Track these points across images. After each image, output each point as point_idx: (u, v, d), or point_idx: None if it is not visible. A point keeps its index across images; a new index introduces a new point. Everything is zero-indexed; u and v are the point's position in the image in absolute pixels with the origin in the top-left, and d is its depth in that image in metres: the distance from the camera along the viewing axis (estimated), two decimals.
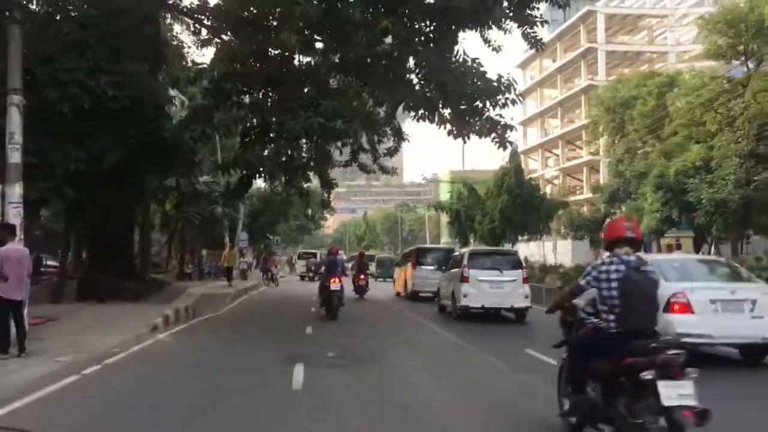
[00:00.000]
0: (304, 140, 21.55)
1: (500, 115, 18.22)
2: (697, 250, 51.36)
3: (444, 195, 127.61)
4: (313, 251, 51.72)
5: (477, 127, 18.60)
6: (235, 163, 16.71)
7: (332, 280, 17.45)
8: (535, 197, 31.30)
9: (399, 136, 29.13)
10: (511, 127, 18.34)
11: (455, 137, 19.45)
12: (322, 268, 19.56)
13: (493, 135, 20.04)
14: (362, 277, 27.18)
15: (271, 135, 17.72)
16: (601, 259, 6.00)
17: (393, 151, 29.65)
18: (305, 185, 33.37)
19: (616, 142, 55.63)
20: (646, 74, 50.88)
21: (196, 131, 14.39)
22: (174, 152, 17.96)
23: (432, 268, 24.41)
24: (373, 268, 39.95)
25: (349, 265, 34.09)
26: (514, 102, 17.97)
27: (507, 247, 35.25)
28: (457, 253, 21.70)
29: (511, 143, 21.62)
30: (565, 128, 77.34)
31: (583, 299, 6.15)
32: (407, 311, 20.90)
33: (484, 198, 39.24)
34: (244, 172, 17.67)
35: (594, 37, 71.11)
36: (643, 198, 45.81)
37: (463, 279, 17.63)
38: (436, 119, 17.84)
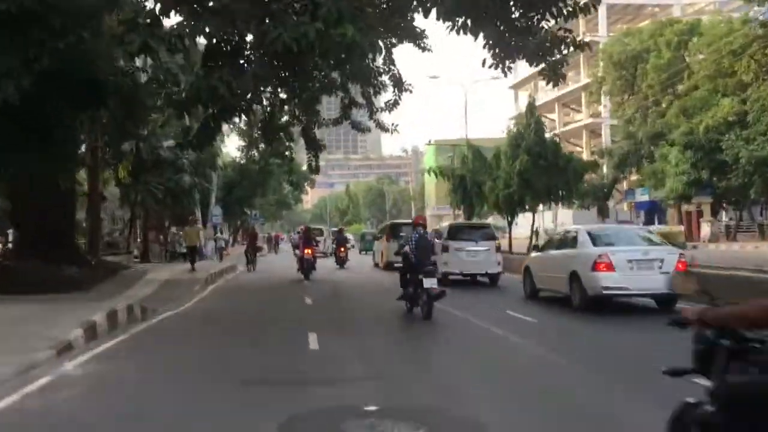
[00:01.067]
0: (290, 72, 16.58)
1: (565, 29, 13.35)
2: (714, 216, 47.41)
3: (429, 165, 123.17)
4: (319, 227, 49.75)
5: (530, 47, 13.72)
6: (198, 95, 11.20)
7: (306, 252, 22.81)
8: (561, 157, 26.39)
9: (399, 86, 24.08)
10: (582, 46, 13.52)
11: (496, 65, 14.56)
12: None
13: (543, 65, 15.29)
14: (342, 249, 30.67)
15: (248, 54, 12.48)
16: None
17: (392, 105, 24.58)
18: (288, 144, 28.26)
19: (624, 100, 51.00)
20: (662, 23, 46.03)
21: (134, 44, 9.23)
22: (103, 86, 12.73)
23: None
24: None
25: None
26: (586, 9, 13.11)
27: (525, 215, 30.89)
28: (437, 227, 24.30)
29: (564, 77, 16.81)
30: (562, 90, 72.41)
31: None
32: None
33: (493, 160, 34.37)
34: (210, 109, 12.23)
35: None
36: (663, 160, 41.33)
37: (444, 249, 19.35)
38: (481, 33, 12.90)
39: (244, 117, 22.87)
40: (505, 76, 15.25)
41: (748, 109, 34.90)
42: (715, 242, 37.07)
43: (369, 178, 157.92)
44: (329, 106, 38.33)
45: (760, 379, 2.79)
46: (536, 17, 13.09)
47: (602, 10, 63.99)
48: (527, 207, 28.44)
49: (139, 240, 32.31)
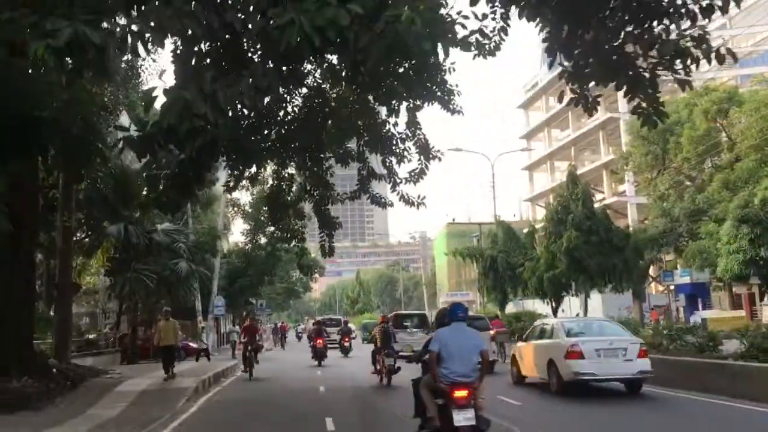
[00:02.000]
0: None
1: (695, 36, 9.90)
2: (761, 299, 43.15)
3: (439, 251, 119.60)
4: (337, 317, 52.07)
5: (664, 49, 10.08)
6: (165, 120, 6.57)
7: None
8: (614, 232, 22.64)
9: (426, 153, 20.63)
10: (722, 57, 10.01)
11: (577, 100, 11.06)
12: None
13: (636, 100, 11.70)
14: (346, 339, 32.93)
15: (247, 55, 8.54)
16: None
17: (418, 175, 21.00)
18: (298, 224, 24.59)
19: (653, 176, 47.58)
20: (697, 93, 43.16)
21: (60, 37, 5.52)
22: (43, 125, 8.97)
23: (409, 330, 26.63)
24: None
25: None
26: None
27: (576, 300, 26.92)
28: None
29: (690, 84, 12.51)
30: (580, 170, 69.43)
31: None
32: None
33: (527, 239, 30.68)
34: (186, 147, 7.87)
35: None
36: (709, 237, 37.46)
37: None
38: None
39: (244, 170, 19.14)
40: (590, 114, 11.67)
41: None
42: None
43: (377, 265, 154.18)
44: (343, 182, 34.80)
45: None
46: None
47: None
48: (575, 290, 24.52)
49: (121, 337, 28.17)
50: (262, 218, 40.33)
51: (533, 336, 16.94)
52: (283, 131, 19.69)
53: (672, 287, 47.65)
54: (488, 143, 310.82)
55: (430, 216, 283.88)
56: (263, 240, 42.69)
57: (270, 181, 24.93)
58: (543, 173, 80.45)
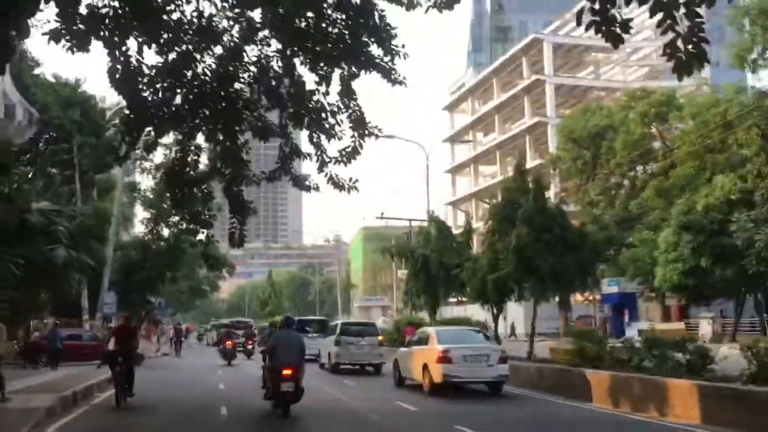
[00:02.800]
0: None
1: None
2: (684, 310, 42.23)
3: (355, 254, 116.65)
4: (246, 320, 54.01)
5: None
6: None
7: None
8: (570, 231, 19.97)
9: (361, 127, 17.29)
10: None
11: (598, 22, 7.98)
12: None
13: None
14: (250, 342, 33.88)
15: None
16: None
17: (351, 154, 17.52)
18: (205, 210, 20.65)
19: (584, 182, 46.02)
20: (633, 95, 41.78)
21: None
22: None
23: (310, 335, 27.67)
24: None
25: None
26: None
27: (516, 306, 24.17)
28: (333, 323, 29.36)
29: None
30: (505, 174, 67.87)
31: None
32: None
33: (463, 236, 27.92)
34: None
35: (537, 71, 62.74)
36: (643, 245, 35.84)
37: (336, 343, 24.23)
38: None
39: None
40: (615, 46, 8.55)
41: (752, 187, 29.91)
42: (718, 342, 31.19)
43: (290, 267, 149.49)
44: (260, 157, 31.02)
45: None
46: None
47: (550, 88, 60.53)
48: (519, 295, 21.75)
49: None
50: (165, 206, 36.05)
51: (412, 343, 18.90)
52: (191, 96, 16.14)
53: (597, 297, 46.03)
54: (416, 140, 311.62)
55: (348, 217, 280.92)
56: (166, 231, 38.30)
57: (173, 154, 20.92)
58: (466, 177, 78.74)
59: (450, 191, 79.86)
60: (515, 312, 44.12)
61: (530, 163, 61.42)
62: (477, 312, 27.70)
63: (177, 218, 36.32)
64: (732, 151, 32.31)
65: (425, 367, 16.62)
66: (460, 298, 28.51)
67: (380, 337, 24.87)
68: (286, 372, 12.49)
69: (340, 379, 20.97)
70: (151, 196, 36.16)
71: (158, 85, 15.43)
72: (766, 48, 29.99)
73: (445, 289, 27.31)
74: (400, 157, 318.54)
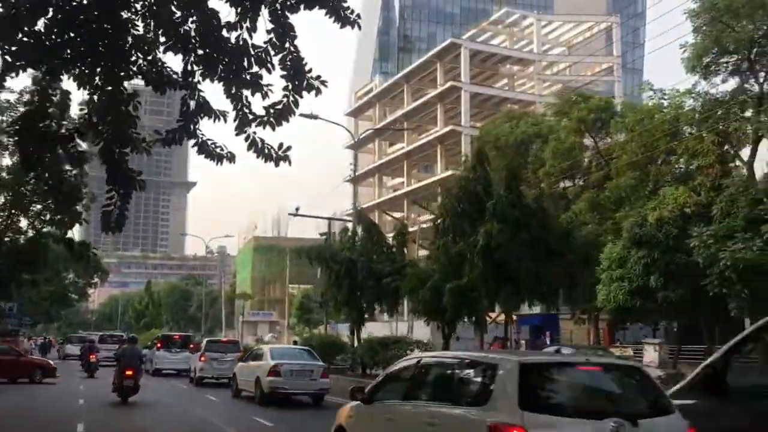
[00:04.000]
0: None
1: None
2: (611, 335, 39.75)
3: (243, 266, 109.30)
4: (119, 334, 50.48)
5: None
6: None
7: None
8: (553, 230, 15.85)
9: (298, 77, 12.42)
10: None
11: None
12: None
13: None
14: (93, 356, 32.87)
15: None
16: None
17: (283, 113, 12.44)
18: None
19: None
20: (568, 100, 38.90)
21: None
22: None
23: (172, 350, 32.38)
24: None
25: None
26: None
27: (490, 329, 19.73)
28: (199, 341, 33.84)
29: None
30: (412, 185, 64.20)
31: None
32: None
33: (396, 240, 23.46)
34: None
35: (452, 79, 59.72)
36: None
37: (201, 358, 27.16)
38: None
39: None
40: None
41: (706, 200, 27.25)
42: (663, 369, 28.29)
43: (169, 279, 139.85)
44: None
45: None
46: None
47: (466, 96, 57.53)
48: (495, 309, 17.45)
49: None
50: (26, 191, 29.49)
51: (250, 358, 21.20)
52: (59, 20, 10.89)
53: (513, 318, 42.66)
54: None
55: (235, 228, 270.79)
56: (24, 223, 31.55)
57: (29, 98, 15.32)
58: (369, 188, 74.55)
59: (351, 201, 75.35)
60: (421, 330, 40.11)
61: (440, 174, 58.20)
62: (416, 330, 23.21)
63: (40, 206, 29.91)
64: (677, 162, 29.71)
65: (258, 380, 19.08)
66: (389, 313, 23.82)
67: (240, 354, 26.89)
68: (128, 373, 18.98)
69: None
70: (6, 176, 29.46)
71: None
72: (726, 50, 27.58)
73: (374, 301, 22.68)
74: (308, 156, 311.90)
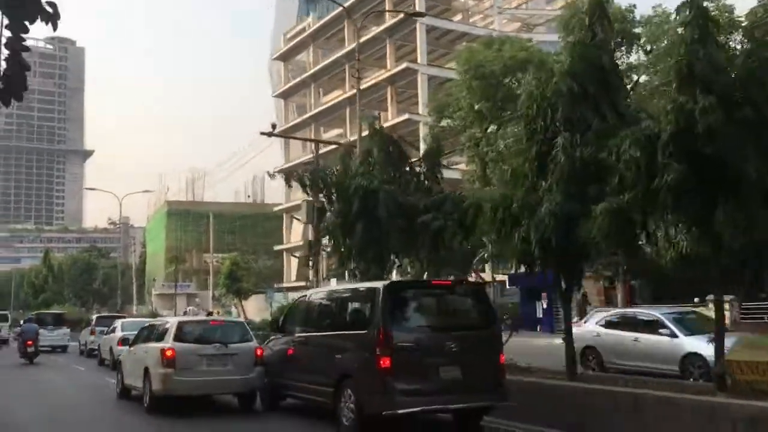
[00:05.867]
0: None
1: None
2: None
3: (154, 234, 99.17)
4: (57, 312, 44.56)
5: None
6: None
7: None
8: None
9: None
10: None
11: None
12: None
13: None
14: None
15: None
16: None
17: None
18: None
19: (482, 133, 36.09)
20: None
21: None
22: None
23: (48, 328, 35.03)
24: None
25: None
26: None
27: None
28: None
29: None
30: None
31: None
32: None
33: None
34: None
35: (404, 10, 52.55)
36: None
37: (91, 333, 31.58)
38: None
39: None
40: None
41: None
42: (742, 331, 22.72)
43: (69, 252, 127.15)
44: None
45: None
46: None
47: (422, 29, 50.58)
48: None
49: None
50: None
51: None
52: None
53: (504, 277, 36.65)
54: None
55: (139, 198, 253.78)
56: None
57: None
58: (298, 144, 66.72)
59: (282, 157, 67.40)
60: None
61: (391, 121, 51.15)
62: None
63: None
64: None
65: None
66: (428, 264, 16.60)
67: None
68: (29, 343, 26.62)
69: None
70: None
71: None
72: None
73: (406, 249, 15.71)
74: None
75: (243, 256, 65.26)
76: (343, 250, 16.29)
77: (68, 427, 12.39)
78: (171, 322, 14.57)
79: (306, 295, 13.62)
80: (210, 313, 47.57)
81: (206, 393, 13.54)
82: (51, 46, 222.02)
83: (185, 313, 55.47)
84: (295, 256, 60.68)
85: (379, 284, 10.80)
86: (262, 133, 32.65)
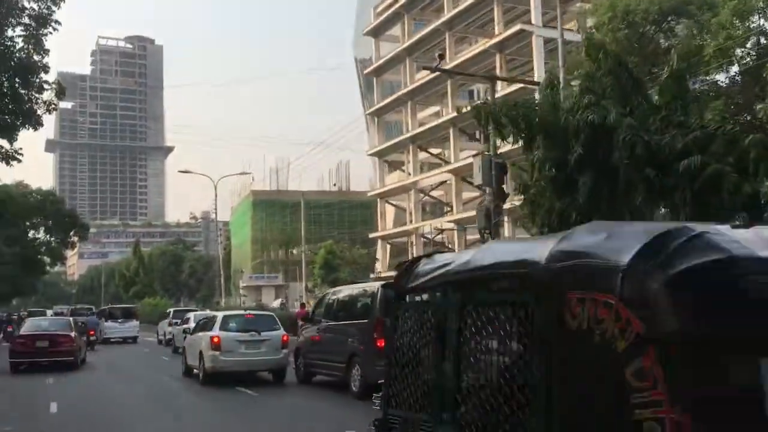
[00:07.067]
0: None
1: None
2: None
3: (239, 226, 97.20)
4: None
5: None
6: None
7: None
8: None
9: None
10: None
11: None
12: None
13: None
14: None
15: None
16: None
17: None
18: None
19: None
20: None
21: None
22: None
23: (119, 321, 39.23)
24: None
25: None
26: None
27: None
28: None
29: None
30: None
31: None
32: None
33: None
34: None
35: None
36: None
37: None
38: None
39: None
40: None
41: None
42: None
43: (149, 249, 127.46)
44: None
45: None
46: None
47: None
48: None
49: None
50: None
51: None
52: None
53: None
54: None
55: (219, 193, 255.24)
56: None
57: None
58: (396, 120, 62.35)
59: (377, 139, 63.32)
60: None
61: (505, 90, 46.16)
62: None
63: None
64: None
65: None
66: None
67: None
68: (91, 332, 29.67)
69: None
70: None
71: None
72: None
73: (652, 207, 11.08)
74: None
75: (338, 244, 61.70)
76: (552, 215, 11.79)
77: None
78: (218, 315, 18.98)
79: (328, 293, 17.98)
80: (303, 305, 44.13)
81: (245, 370, 16.89)
82: (131, 45, 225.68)
83: (283, 305, 52.00)
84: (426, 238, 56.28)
85: (376, 285, 14.56)
86: (425, 68, 30.10)
